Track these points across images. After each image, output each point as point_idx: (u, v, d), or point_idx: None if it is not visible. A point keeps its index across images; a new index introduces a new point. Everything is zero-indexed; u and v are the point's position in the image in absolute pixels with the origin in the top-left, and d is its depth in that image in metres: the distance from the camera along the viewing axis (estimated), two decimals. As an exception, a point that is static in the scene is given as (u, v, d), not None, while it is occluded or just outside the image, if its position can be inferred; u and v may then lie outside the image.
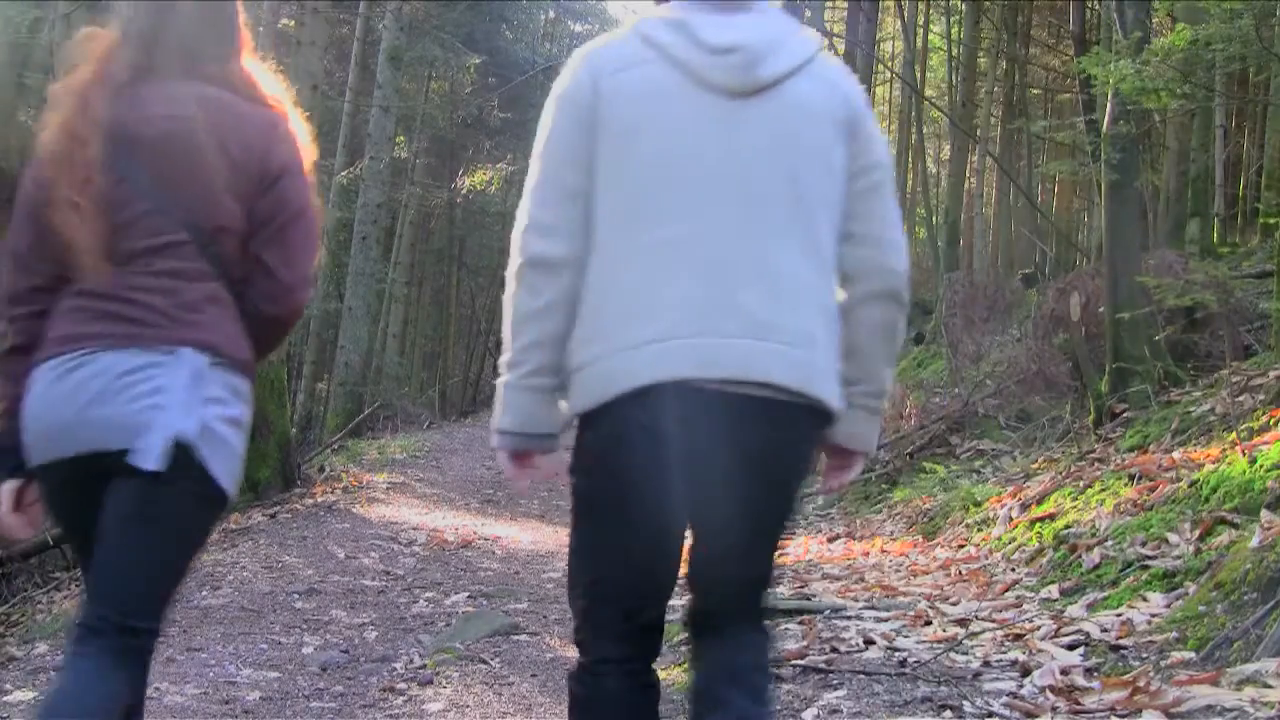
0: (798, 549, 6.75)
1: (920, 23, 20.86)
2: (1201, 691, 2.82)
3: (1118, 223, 7.60)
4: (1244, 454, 4.63)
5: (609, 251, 1.82)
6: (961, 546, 5.93)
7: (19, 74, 8.45)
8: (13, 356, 2.02)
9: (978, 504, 6.47)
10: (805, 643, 3.91)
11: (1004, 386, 9.38)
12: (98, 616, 1.93)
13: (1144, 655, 3.32)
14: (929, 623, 4.12)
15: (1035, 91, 20.14)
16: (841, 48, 15.17)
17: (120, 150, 1.98)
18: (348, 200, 17.16)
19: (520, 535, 7.92)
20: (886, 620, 4.20)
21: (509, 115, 22.75)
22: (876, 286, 1.90)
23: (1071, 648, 3.54)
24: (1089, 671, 3.28)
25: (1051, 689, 3.10)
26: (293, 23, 9.48)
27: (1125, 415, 6.95)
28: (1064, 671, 3.24)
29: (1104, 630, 3.64)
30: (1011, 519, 5.81)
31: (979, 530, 6.07)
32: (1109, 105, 7.58)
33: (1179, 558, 4.10)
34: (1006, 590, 4.66)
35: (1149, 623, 3.60)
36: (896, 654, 3.68)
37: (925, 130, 21.76)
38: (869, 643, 3.84)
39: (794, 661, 3.61)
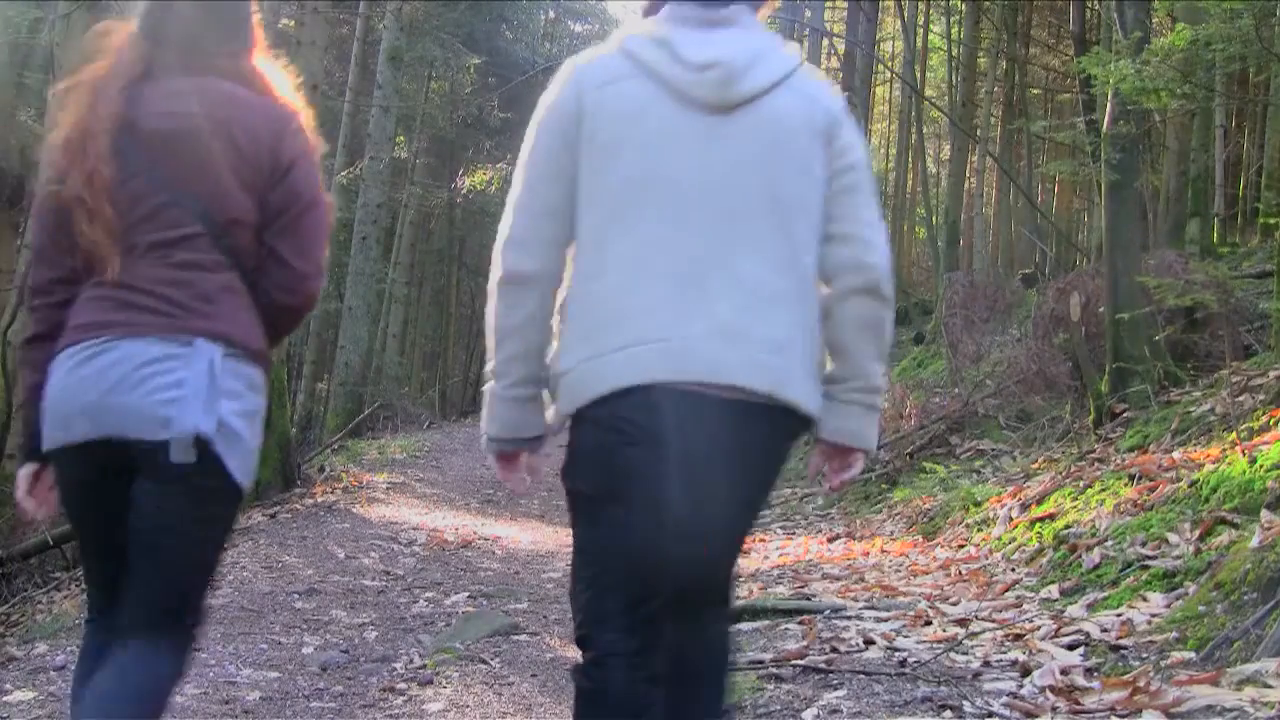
0: (798, 549, 6.75)
1: (920, 23, 20.88)
2: (1201, 691, 2.82)
3: (1118, 223, 7.59)
4: (1244, 454, 4.63)
5: (589, 262, 1.89)
6: (961, 546, 5.93)
7: (19, 74, 8.45)
8: (35, 344, 2.08)
9: (978, 504, 6.47)
10: (805, 643, 3.92)
11: (1004, 386, 9.38)
12: (131, 618, 1.99)
13: (1144, 655, 3.32)
14: (929, 623, 4.12)
15: (1035, 91, 20.15)
16: (841, 48, 15.19)
17: (131, 144, 2.02)
18: (348, 200, 17.15)
19: (520, 535, 7.92)
20: (886, 620, 4.20)
21: (509, 115, 22.69)
22: (856, 282, 1.94)
23: (1071, 648, 3.54)
24: (1089, 671, 3.28)
25: (1051, 689, 3.10)
26: (293, 23, 9.47)
27: (1125, 415, 6.94)
28: (1064, 671, 3.24)
29: (1104, 630, 3.64)
30: (1011, 519, 5.81)
31: (979, 530, 6.07)
32: (1109, 105, 7.57)
33: (1179, 558, 4.10)
34: (1006, 590, 4.66)
35: (1149, 623, 3.60)
36: (896, 654, 3.68)
37: (925, 130, 21.81)
38: (869, 643, 3.84)
39: (794, 661, 3.61)
